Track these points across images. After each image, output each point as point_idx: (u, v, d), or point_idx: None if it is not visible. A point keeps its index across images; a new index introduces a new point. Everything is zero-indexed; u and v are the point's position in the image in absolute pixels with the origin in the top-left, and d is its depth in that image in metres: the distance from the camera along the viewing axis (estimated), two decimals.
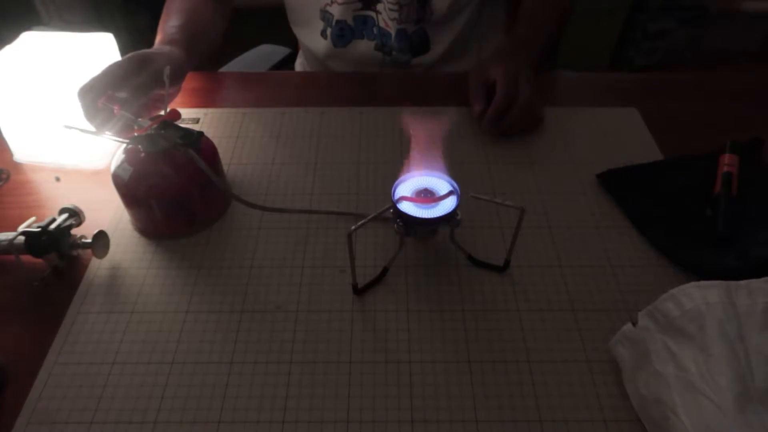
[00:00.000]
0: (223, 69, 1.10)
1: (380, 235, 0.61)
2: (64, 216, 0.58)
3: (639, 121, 0.75)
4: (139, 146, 0.58)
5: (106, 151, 0.69)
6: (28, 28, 0.73)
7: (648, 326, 0.45)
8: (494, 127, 0.70)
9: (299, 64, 1.09)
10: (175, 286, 0.57)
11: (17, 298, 0.56)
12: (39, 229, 0.55)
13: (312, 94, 0.83)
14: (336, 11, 0.89)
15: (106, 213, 0.64)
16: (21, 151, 0.71)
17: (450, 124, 0.75)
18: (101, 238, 0.58)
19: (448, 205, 0.52)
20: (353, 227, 0.50)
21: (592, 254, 0.59)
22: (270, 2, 1.05)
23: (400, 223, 0.53)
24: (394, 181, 0.54)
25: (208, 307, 0.55)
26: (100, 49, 0.69)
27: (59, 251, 0.56)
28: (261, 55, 1.15)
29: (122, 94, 0.60)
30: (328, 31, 0.92)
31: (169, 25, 0.76)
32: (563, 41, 1.07)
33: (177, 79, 0.69)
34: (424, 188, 0.54)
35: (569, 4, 0.87)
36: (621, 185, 0.65)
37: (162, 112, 0.60)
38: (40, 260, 0.56)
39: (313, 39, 0.95)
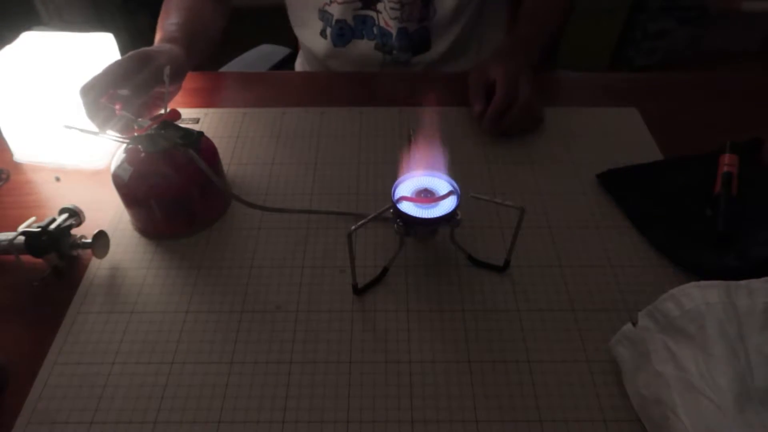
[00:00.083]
0: (223, 69, 1.10)
1: (380, 235, 0.61)
2: (64, 216, 0.58)
3: (639, 121, 0.75)
4: (139, 146, 0.58)
5: (106, 151, 0.69)
6: (28, 28, 0.73)
7: (648, 326, 0.45)
8: (494, 126, 0.70)
9: (299, 64, 1.09)
10: (175, 286, 0.57)
11: (17, 298, 0.56)
12: (39, 229, 0.55)
13: (312, 94, 0.83)
14: (335, 11, 0.89)
15: (106, 213, 0.64)
16: (21, 151, 0.71)
17: (450, 124, 0.75)
18: (101, 238, 0.58)
19: (448, 205, 0.52)
20: (353, 227, 0.50)
21: (592, 254, 0.59)
22: (270, 2, 1.06)
23: (400, 223, 0.53)
24: (394, 181, 0.54)
25: (208, 307, 0.55)
26: (100, 49, 0.69)
27: (59, 251, 0.56)
28: (261, 55, 1.15)
29: (124, 92, 0.60)
30: (328, 30, 0.92)
31: (168, 23, 0.76)
32: (563, 41, 1.07)
33: (177, 77, 0.69)
34: (424, 188, 0.54)
35: (570, 4, 0.87)
36: (621, 185, 0.65)
37: (162, 111, 0.60)
38: (40, 260, 0.56)
39: (313, 39, 0.95)
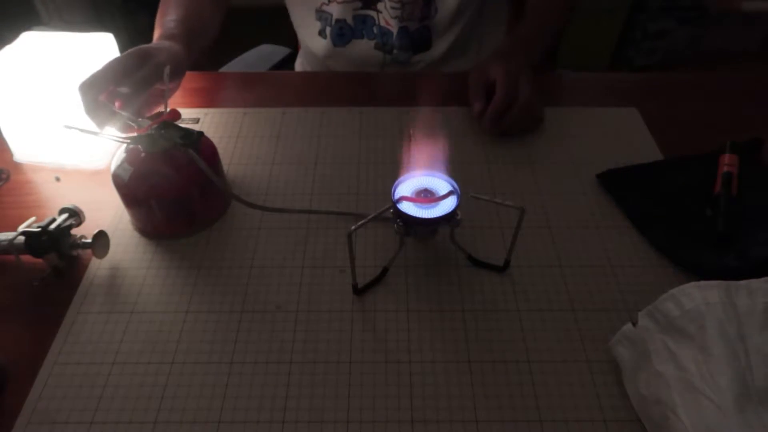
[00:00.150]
0: (223, 69, 1.10)
1: (380, 235, 0.61)
2: (64, 216, 0.58)
3: (639, 121, 0.75)
4: (139, 146, 0.58)
5: (106, 151, 0.69)
6: (28, 28, 0.73)
7: (648, 326, 0.45)
8: (494, 126, 0.70)
9: (299, 64, 1.09)
10: (175, 286, 0.57)
11: (17, 298, 0.56)
12: (39, 229, 0.55)
13: (312, 94, 0.83)
14: (335, 10, 0.89)
15: (106, 213, 0.64)
16: (21, 151, 0.71)
17: (450, 124, 0.75)
18: (101, 238, 0.58)
19: (448, 205, 0.52)
20: (353, 227, 0.50)
21: (592, 254, 0.59)
22: (270, 2, 1.06)
23: (400, 223, 0.53)
24: (394, 181, 0.54)
25: (208, 307, 0.55)
26: (100, 49, 0.69)
27: (59, 251, 0.56)
28: (261, 55, 1.15)
29: (123, 90, 0.60)
30: (327, 30, 0.92)
31: (167, 19, 0.76)
32: (563, 41, 1.07)
33: (177, 74, 0.69)
34: (424, 188, 0.54)
35: (572, 3, 0.87)
36: (621, 185, 0.65)
37: (162, 110, 0.60)
38: (40, 260, 0.56)
39: (312, 39, 0.95)
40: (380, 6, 0.87)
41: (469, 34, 0.94)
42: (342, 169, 0.69)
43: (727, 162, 0.64)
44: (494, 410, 0.47)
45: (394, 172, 0.55)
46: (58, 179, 0.69)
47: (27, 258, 0.56)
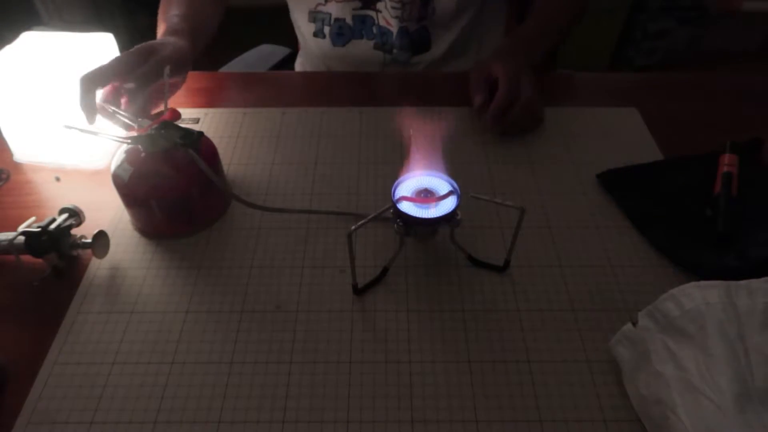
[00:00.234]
0: (223, 69, 1.10)
1: (380, 235, 0.61)
2: (64, 216, 0.58)
3: (639, 121, 0.75)
4: (139, 146, 0.58)
5: (106, 151, 0.69)
6: (28, 28, 0.73)
7: (648, 326, 0.45)
8: (496, 123, 0.70)
9: (299, 64, 1.09)
10: (175, 286, 0.57)
11: (17, 298, 0.56)
12: (39, 229, 0.55)
13: (312, 94, 0.83)
14: (333, 9, 0.89)
15: (106, 213, 0.64)
16: (21, 151, 0.71)
17: (450, 124, 0.75)
18: (101, 238, 0.58)
19: (448, 205, 0.52)
20: (353, 227, 0.50)
21: (592, 254, 0.59)
22: (270, 2, 1.06)
23: (400, 223, 0.53)
24: (394, 181, 0.54)
25: (208, 307, 0.55)
26: (100, 49, 0.69)
27: (59, 251, 0.56)
28: (261, 55, 1.15)
29: (129, 86, 0.61)
30: (326, 30, 0.92)
31: (171, 14, 0.76)
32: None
33: (182, 69, 0.69)
34: (424, 188, 0.54)
35: (580, 8, 0.86)
36: (621, 185, 0.65)
37: (163, 106, 0.60)
38: (40, 260, 0.56)
39: (311, 39, 0.95)
40: (380, 6, 0.87)
41: (468, 35, 0.94)
42: (342, 169, 0.69)
43: (727, 162, 0.64)
44: (494, 410, 0.47)
45: (394, 172, 0.55)
46: (58, 179, 0.69)
47: (27, 258, 0.56)
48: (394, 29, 0.89)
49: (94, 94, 0.60)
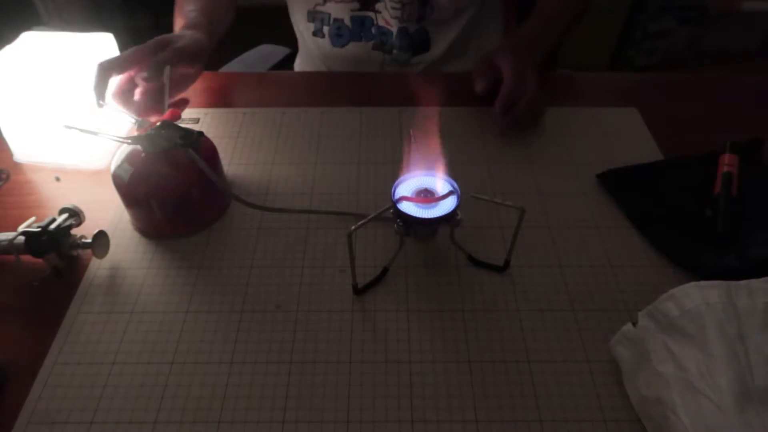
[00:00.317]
0: (223, 69, 1.10)
1: (380, 235, 0.61)
2: (64, 216, 0.58)
3: (639, 121, 0.75)
4: (139, 146, 0.58)
5: (106, 151, 0.69)
6: (28, 28, 0.73)
7: (648, 326, 0.45)
8: (503, 113, 0.69)
9: (299, 64, 1.09)
10: (175, 286, 0.57)
11: (17, 298, 0.56)
12: (39, 229, 0.55)
13: (312, 94, 0.83)
14: (332, 10, 0.89)
15: (106, 213, 0.64)
16: (21, 151, 0.71)
17: (450, 124, 0.75)
18: (101, 238, 0.58)
19: (448, 205, 0.52)
20: (353, 227, 0.50)
21: (592, 254, 0.59)
22: (270, 2, 1.05)
23: (400, 223, 0.53)
24: (394, 181, 0.54)
25: (208, 307, 0.55)
26: (100, 49, 0.69)
27: (59, 251, 0.56)
28: (261, 55, 1.15)
29: (143, 75, 0.64)
30: (325, 30, 0.92)
31: (187, 9, 0.77)
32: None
33: (198, 60, 0.72)
34: (424, 188, 0.54)
35: (581, 8, 0.86)
36: (621, 185, 0.65)
37: (175, 100, 0.61)
38: (40, 260, 0.56)
39: (311, 39, 0.95)
40: (379, 6, 0.87)
41: (468, 35, 0.94)
42: (342, 169, 0.69)
43: (727, 162, 0.64)
44: (494, 410, 0.47)
45: (394, 172, 0.55)
46: (58, 179, 0.69)
47: (27, 258, 0.56)
48: (394, 29, 0.89)
49: (107, 81, 0.62)
